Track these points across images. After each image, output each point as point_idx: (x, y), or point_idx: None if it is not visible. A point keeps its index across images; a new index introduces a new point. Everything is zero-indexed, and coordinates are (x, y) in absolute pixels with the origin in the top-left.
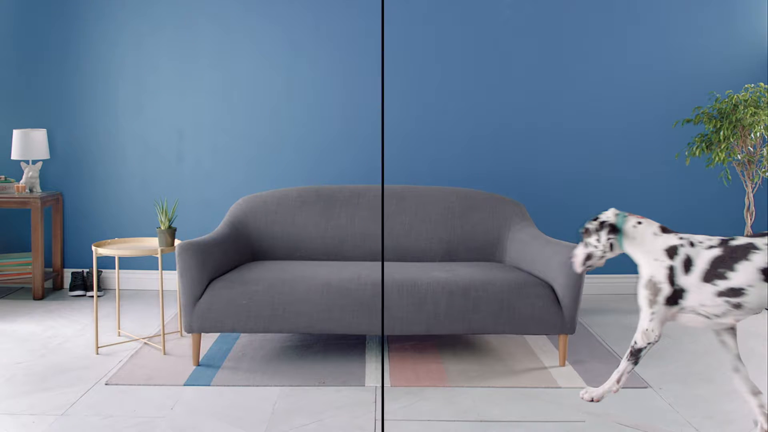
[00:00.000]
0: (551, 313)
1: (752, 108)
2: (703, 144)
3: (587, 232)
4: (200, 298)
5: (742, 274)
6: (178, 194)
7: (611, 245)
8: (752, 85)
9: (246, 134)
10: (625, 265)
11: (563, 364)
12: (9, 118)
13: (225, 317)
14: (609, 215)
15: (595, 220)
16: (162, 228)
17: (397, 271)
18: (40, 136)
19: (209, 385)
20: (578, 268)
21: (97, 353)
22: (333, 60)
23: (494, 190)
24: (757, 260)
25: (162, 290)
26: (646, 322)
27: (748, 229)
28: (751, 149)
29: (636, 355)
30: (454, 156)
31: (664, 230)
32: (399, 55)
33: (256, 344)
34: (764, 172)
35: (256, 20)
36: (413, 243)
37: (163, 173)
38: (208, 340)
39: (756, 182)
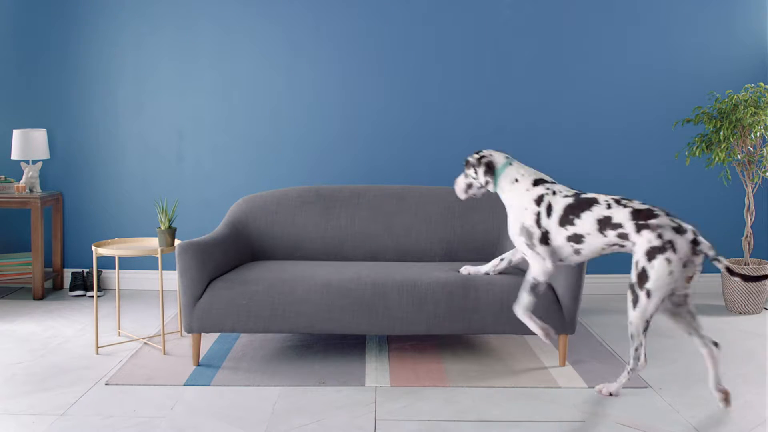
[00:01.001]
0: (551, 313)
1: (752, 108)
2: (703, 144)
3: (468, 164)
4: (200, 298)
5: (585, 223)
6: (178, 194)
7: (487, 182)
8: (752, 85)
9: (246, 134)
10: (625, 265)
11: (563, 364)
12: (9, 118)
13: (225, 317)
14: (491, 155)
15: (477, 153)
16: (162, 228)
17: (397, 271)
18: (40, 136)
19: (209, 385)
20: (461, 195)
21: (97, 353)
22: (333, 60)
23: None
24: (596, 212)
25: (162, 290)
26: (539, 261)
27: (747, 229)
28: (751, 149)
29: (536, 289)
30: (454, 156)
31: (536, 183)
32: (399, 55)
33: (256, 344)
34: (764, 172)
35: (256, 20)
36: (413, 243)
37: (163, 173)
38: (208, 340)
39: (756, 182)
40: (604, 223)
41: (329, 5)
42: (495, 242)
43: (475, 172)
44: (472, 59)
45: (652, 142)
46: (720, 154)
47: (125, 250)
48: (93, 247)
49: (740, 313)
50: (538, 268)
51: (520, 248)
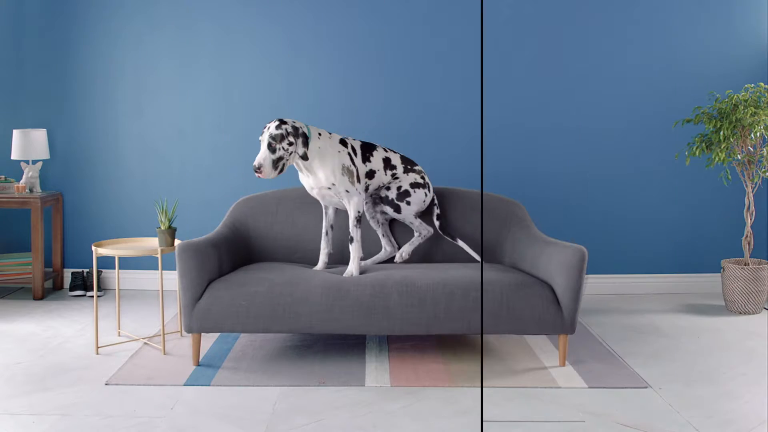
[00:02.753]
0: (551, 313)
1: (752, 108)
2: (703, 144)
3: (279, 139)
4: (200, 298)
5: (376, 160)
6: (178, 194)
7: (304, 151)
8: (752, 85)
9: (246, 134)
10: (625, 265)
11: (563, 364)
12: (9, 118)
13: (225, 318)
14: (299, 124)
15: (282, 126)
16: (162, 228)
17: (396, 271)
18: (40, 136)
19: (209, 385)
20: (271, 175)
21: (97, 353)
22: (333, 60)
23: (494, 190)
24: (380, 152)
25: (162, 290)
26: (358, 195)
27: (747, 229)
28: (751, 149)
29: (360, 221)
30: (454, 156)
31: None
32: (399, 55)
33: (256, 344)
34: (764, 172)
35: (256, 20)
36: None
37: (163, 173)
38: (208, 340)
39: (756, 182)
40: (387, 163)
41: (329, 5)
42: (494, 242)
43: (289, 145)
44: (472, 59)
45: (652, 141)
46: (720, 154)
47: (125, 250)
48: (93, 247)
49: (740, 313)
50: (359, 202)
51: (343, 187)
